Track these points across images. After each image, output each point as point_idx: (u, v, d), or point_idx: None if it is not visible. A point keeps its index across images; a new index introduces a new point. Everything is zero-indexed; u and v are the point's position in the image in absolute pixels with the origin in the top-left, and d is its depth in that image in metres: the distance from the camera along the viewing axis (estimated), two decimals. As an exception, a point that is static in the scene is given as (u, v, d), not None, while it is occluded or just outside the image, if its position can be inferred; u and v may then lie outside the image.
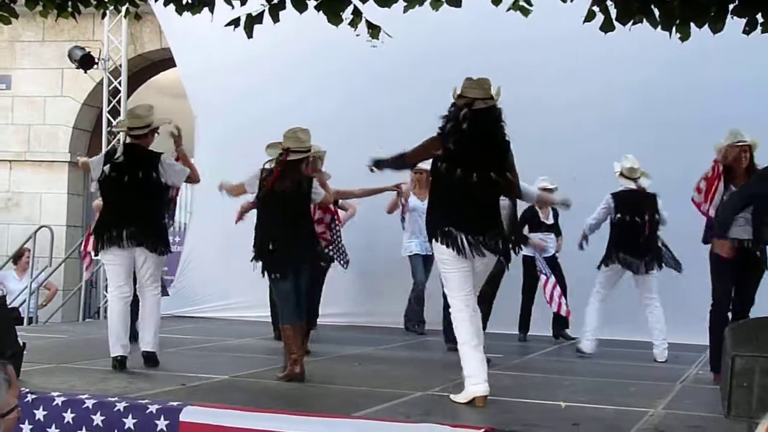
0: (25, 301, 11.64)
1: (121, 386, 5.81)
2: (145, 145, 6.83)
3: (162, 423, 4.66)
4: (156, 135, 6.95)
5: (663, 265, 7.99)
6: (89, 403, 4.86)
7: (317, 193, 6.60)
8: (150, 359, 6.76)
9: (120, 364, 6.57)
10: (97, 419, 4.78)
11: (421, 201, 9.36)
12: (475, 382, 5.36)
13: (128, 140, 6.91)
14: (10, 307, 5.98)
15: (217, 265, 10.84)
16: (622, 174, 7.93)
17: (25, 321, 11.31)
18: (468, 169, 5.47)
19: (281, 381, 6.22)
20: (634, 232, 7.87)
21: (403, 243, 9.64)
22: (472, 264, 5.51)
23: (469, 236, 5.43)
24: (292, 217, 6.42)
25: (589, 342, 8.05)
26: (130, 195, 6.66)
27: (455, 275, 5.49)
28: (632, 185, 7.93)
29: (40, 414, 4.88)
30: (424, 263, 9.51)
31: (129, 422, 4.72)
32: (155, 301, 6.86)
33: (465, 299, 5.48)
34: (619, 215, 7.97)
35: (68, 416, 4.84)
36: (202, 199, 11.01)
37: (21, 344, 6.09)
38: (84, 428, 4.81)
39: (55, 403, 4.90)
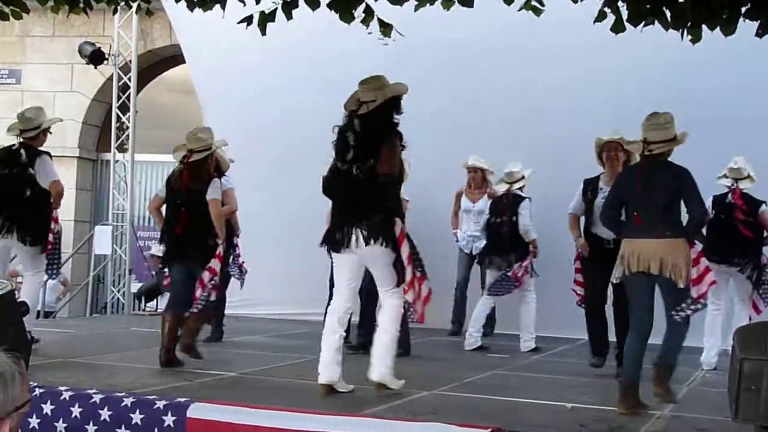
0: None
1: (128, 381, 5.82)
2: (36, 145, 7.28)
3: (169, 419, 4.66)
4: (48, 134, 7.44)
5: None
6: (96, 397, 4.86)
7: (214, 189, 6.81)
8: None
9: None
10: (105, 414, 4.78)
11: (473, 203, 9.43)
12: (319, 371, 5.67)
13: (21, 141, 7.30)
14: (19, 300, 6.02)
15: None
16: (501, 178, 8.69)
17: (42, 315, 11.40)
18: (341, 164, 5.75)
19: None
20: (494, 231, 8.62)
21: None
22: (348, 257, 5.73)
23: (337, 231, 5.73)
24: (185, 213, 6.77)
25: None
26: (9, 189, 7.12)
27: (334, 269, 5.95)
28: (504, 188, 8.63)
29: (47, 408, 4.89)
30: (465, 262, 9.55)
31: (136, 417, 4.72)
32: (31, 286, 7.30)
33: (336, 292, 5.94)
34: (488, 216, 8.79)
35: (75, 411, 4.84)
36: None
37: (30, 338, 6.10)
38: (91, 423, 4.80)
39: (62, 397, 4.91)
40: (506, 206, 8.55)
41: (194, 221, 6.72)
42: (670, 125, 5.54)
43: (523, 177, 8.61)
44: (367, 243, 5.58)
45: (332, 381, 5.65)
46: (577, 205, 7.22)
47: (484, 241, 9.36)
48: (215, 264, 6.74)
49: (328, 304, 9.93)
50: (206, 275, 6.68)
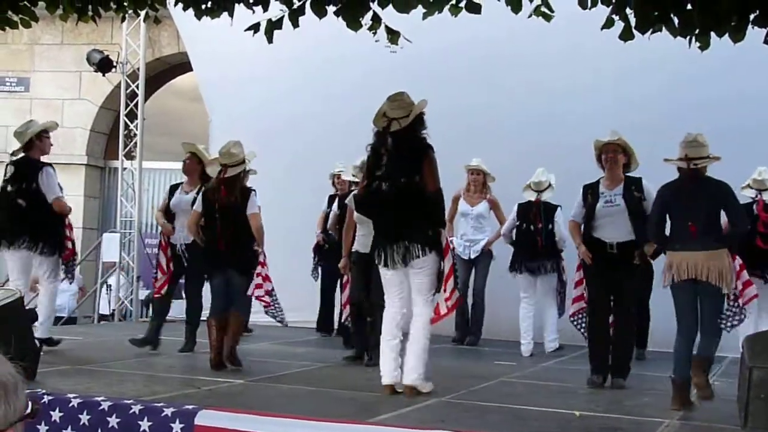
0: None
1: (136, 389, 5.83)
2: (36, 155, 7.56)
3: (177, 426, 4.65)
4: (45, 138, 7.59)
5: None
6: (105, 405, 4.86)
7: (252, 203, 7.09)
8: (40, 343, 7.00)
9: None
10: (113, 421, 4.78)
11: (471, 207, 9.38)
12: (381, 374, 5.92)
13: (22, 155, 7.57)
14: (27, 308, 6.07)
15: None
16: (529, 186, 8.80)
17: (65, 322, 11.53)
18: (381, 180, 5.88)
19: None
20: (528, 238, 8.72)
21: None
22: (399, 271, 5.89)
23: (386, 246, 5.88)
24: (227, 225, 7.03)
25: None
26: (20, 202, 7.35)
27: (384, 279, 6.06)
28: (533, 197, 8.69)
29: (56, 415, 4.89)
30: (463, 267, 9.50)
31: (144, 425, 4.72)
32: (48, 294, 7.57)
33: (389, 302, 6.03)
34: (518, 223, 8.89)
35: (84, 418, 4.84)
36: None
37: (38, 346, 6.12)
38: (99, 430, 4.80)
39: (71, 404, 4.91)
40: (538, 214, 8.64)
41: (236, 234, 6.97)
42: (707, 144, 5.88)
43: (550, 185, 8.70)
44: (419, 256, 5.78)
45: (394, 382, 5.90)
46: (578, 212, 7.14)
47: (482, 245, 9.36)
48: (265, 271, 7.11)
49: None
50: (268, 284, 7.09)
